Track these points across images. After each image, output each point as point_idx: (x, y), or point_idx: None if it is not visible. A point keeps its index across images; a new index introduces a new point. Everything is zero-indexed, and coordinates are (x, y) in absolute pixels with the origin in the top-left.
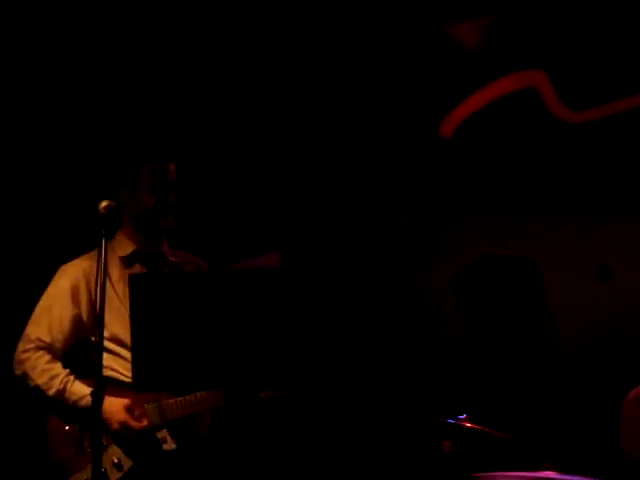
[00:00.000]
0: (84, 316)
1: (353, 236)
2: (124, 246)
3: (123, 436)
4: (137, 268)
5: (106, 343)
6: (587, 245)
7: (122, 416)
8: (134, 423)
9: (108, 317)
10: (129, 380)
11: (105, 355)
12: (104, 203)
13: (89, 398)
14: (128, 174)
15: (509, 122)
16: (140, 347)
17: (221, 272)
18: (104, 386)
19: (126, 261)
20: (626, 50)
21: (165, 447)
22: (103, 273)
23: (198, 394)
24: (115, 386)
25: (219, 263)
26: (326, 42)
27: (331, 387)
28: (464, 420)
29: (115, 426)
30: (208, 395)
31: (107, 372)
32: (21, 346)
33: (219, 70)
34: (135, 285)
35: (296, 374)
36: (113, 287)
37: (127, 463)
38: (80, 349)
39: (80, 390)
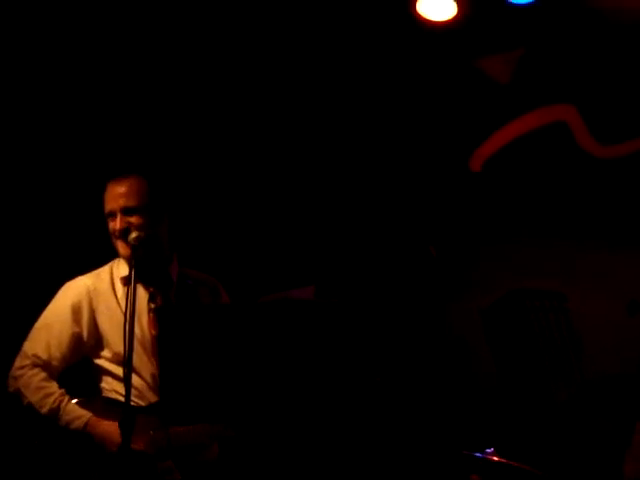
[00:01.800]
0: (84, 335)
1: (384, 268)
2: (124, 266)
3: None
4: (139, 287)
5: (109, 364)
6: (617, 280)
7: (117, 440)
8: (133, 442)
9: (112, 336)
10: (134, 404)
11: (109, 378)
12: (134, 234)
13: (83, 420)
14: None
15: (539, 156)
16: (167, 380)
17: (253, 304)
18: (132, 419)
19: (126, 282)
20: None
21: (169, 478)
22: (132, 304)
23: (208, 425)
24: (119, 409)
25: (250, 296)
26: (358, 72)
27: (363, 418)
28: (492, 454)
29: (111, 447)
30: (217, 425)
31: (111, 395)
32: (17, 362)
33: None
34: (162, 317)
35: (329, 408)
36: (119, 305)
37: None
38: (77, 369)
39: (74, 411)
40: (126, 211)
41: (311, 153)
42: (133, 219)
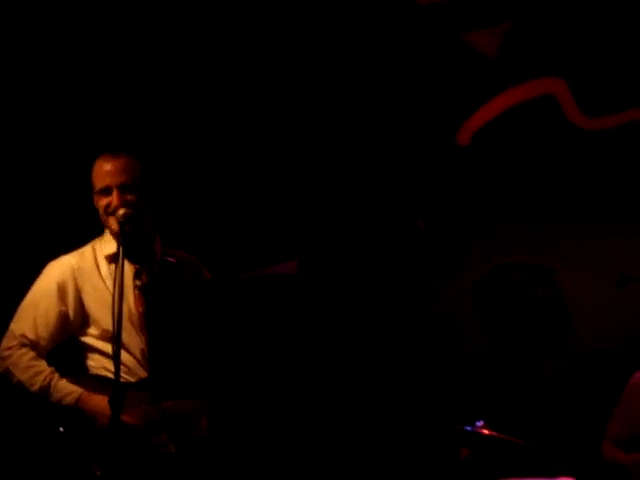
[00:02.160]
0: (71, 314)
1: (370, 243)
2: (109, 244)
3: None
4: (125, 265)
5: (96, 341)
6: (606, 253)
7: (108, 414)
8: (126, 417)
9: (99, 314)
10: (124, 380)
11: (96, 355)
12: (122, 211)
13: (74, 396)
14: (91, 174)
15: (527, 129)
16: (157, 355)
17: (238, 280)
18: (122, 394)
19: (111, 260)
20: None
21: (164, 451)
22: (121, 281)
23: (199, 400)
24: (110, 386)
25: (234, 271)
26: (344, 49)
27: (348, 391)
28: (481, 427)
29: (103, 421)
30: (208, 402)
31: (100, 372)
32: (4, 342)
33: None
34: (150, 295)
35: (316, 380)
36: (104, 283)
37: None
38: (64, 348)
39: (65, 387)
40: (123, 188)
41: (296, 126)
42: (128, 197)
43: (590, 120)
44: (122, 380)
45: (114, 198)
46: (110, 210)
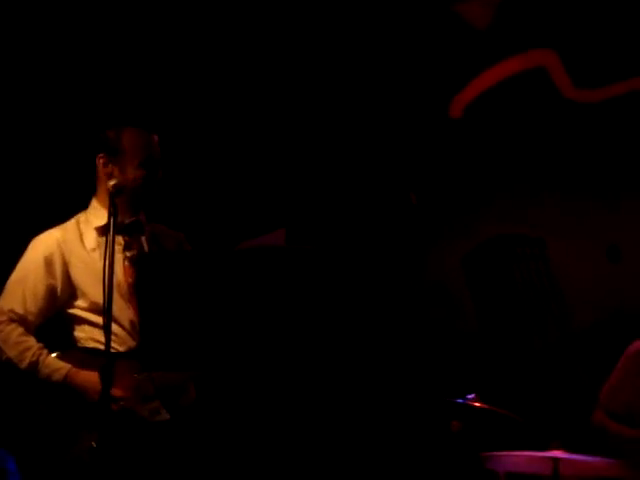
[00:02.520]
0: (58, 287)
1: (361, 214)
2: (100, 215)
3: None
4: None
5: (85, 313)
6: (598, 225)
7: (100, 386)
8: (116, 391)
9: (87, 286)
10: (114, 350)
11: (85, 326)
12: (112, 182)
13: (62, 372)
14: (113, 141)
15: (519, 101)
16: (147, 326)
17: (228, 251)
18: (111, 365)
19: (102, 231)
20: (637, 30)
21: (158, 418)
22: (112, 252)
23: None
24: (99, 357)
25: (223, 242)
26: (334, 20)
27: (338, 363)
28: (473, 400)
29: (93, 396)
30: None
31: (89, 343)
32: None
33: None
34: (141, 264)
35: (305, 352)
36: (92, 255)
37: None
38: (52, 321)
39: (53, 364)
40: (160, 161)
41: (284, 96)
42: (160, 172)
43: (582, 92)
44: (112, 350)
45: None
46: (150, 181)
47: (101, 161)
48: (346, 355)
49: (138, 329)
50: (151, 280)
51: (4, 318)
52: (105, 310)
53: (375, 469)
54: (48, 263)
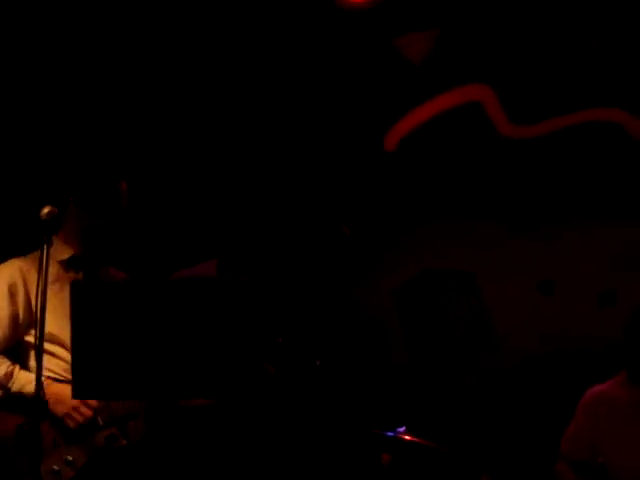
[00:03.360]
0: (20, 316)
1: (294, 245)
2: (62, 250)
3: (73, 432)
4: (72, 273)
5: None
6: (528, 258)
7: (70, 402)
8: (84, 409)
9: (46, 317)
10: (64, 378)
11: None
12: (46, 209)
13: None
14: (85, 188)
15: (454, 136)
16: (79, 354)
17: (161, 281)
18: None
19: (64, 265)
20: (570, 67)
21: (116, 444)
22: (45, 278)
23: None
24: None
25: (157, 271)
26: (278, 51)
27: (270, 394)
28: (403, 432)
29: (62, 411)
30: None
31: (44, 372)
32: None
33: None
34: (76, 292)
35: (234, 382)
36: (49, 288)
37: (81, 461)
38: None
39: (26, 377)
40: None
41: (221, 123)
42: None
43: (517, 127)
44: (62, 378)
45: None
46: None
47: (71, 204)
48: (280, 385)
49: None
50: (84, 307)
51: None
52: (37, 339)
53: None
54: (12, 292)
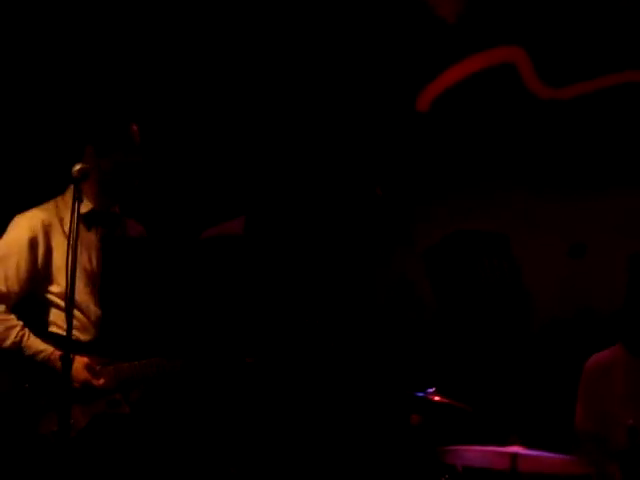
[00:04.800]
0: (39, 269)
1: (325, 205)
2: (83, 204)
3: (82, 394)
4: (94, 227)
5: (55, 299)
6: (562, 223)
7: (84, 375)
8: (95, 382)
9: (61, 272)
10: (74, 337)
11: (54, 311)
12: (78, 166)
13: (46, 353)
14: (103, 133)
15: (487, 97)
16: (107, 309)
17: (190, 240)
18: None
19: (84, 219)
20: (604, 28)
21: (119, 410)
22: (75, 237)
23: (152, 359)
24: (58, 345)
25: (185, 230)
26: (301, 13)
27: (297, 351)
28: (433, 393)
29: (77, 384)
30: (162, 360)
31: (53, 328)
32: None
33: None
34: (107, 246)
35: (265, 341)
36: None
37: (80, 423)
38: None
39: (36, 345)
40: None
41: (251, 86)
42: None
43: (550, 89)
44: (73, 337)
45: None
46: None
47: (89, 151)
48: (307, 343)
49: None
50: (115, 262)
51: None
52: (67, 297)
53: (334, 460)
54: (32, 245)
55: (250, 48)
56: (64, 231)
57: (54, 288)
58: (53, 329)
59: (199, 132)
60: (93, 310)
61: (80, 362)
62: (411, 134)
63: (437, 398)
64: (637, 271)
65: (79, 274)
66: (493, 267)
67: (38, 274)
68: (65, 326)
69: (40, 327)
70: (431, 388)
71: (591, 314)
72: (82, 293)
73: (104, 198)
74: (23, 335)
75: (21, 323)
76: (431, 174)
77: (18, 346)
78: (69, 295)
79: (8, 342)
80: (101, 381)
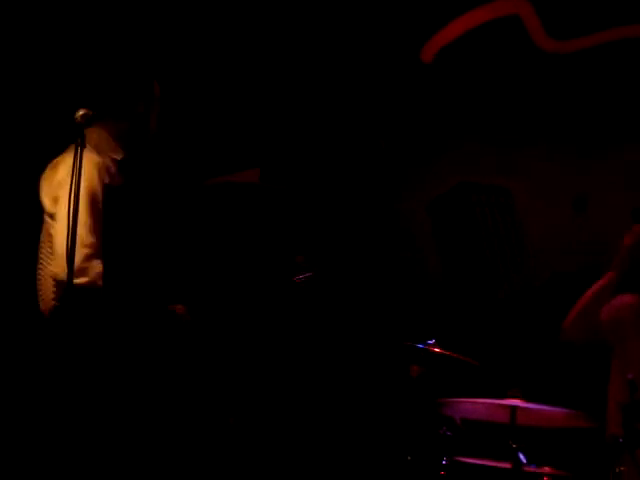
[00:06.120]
0: None
1: (332, 157)
2: (115, 149)
3: None
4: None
5: None
6: (565, 177)
7: None
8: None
9: None
10: None
11: None
12: (82, 111)
13: None
14: (147, 88)
15: (491, 49)
16: (111, 255)
17: (200, 186)
18: None
19: (117, 165)
20: None
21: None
22: (78, 181)
23: None
24: None
25: (199, 177)
26: None
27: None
28: (433, 345)
29: None
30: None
31: None
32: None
33: None
34: (109, 194)
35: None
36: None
37: None
38: None
39: None
40: None
41: (259, 41)
42: None
43: (555, 42)
44: None
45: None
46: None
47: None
48: (309, 290)
49: None
50: (118, 209)
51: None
52: (68, 245)
53: (332, 410)
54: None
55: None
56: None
57: None
58: None
59: (216, 83)
60: None
61: None
62: (415, 86)
63: (437, 350)
64: None
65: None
66: (495, 219)
67: None
68: None
69: None
70: (431, 340)
71: (594, 268)
72: None
73: (126, 147)
74: None
75: None
76: (433, 127)
77: None
78: (69, 244)
79: None
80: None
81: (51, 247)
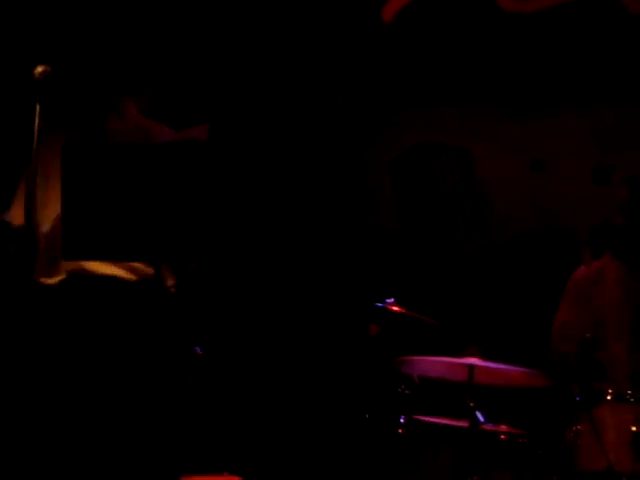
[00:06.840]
0: None
1: (288, 113)
2: None
3: None
4: None
5: None
6: (523, 137)
7: None
8: None
9: None
10: None
11: None
12: (40, 68)
13: None
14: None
15: (450, 9)
16: (70, 215)
17: (148, 145)
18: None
19: None
20: None
21: None
22: (36, 139)
23: None
24: None
25: None
26: None
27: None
28: (391, 304)
29: None
30: None
31: None
32: None
33: None
34: (68, 154)
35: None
36: None
37: None
38: None
39: None
40: None
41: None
42: None
43: (514, 2)
44: None
45: None
46: None
47: None
48: (266, 251)
49: None
50: (75, 169)
51: None
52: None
53: (291, 368)
54: None
55: None
56: None
57: None
58: None
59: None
60: None
61: None
62: (374, 44)
63: (396, 309)
64: (637, 191)
65: None
66: (455, 178)
67: None
68: None
69: None
70: (390, 299)
71: (554, 227)
72: None
73: None
74: None
75: None
76: (393, 86)
77: None
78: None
79: None
80: None
81: None
